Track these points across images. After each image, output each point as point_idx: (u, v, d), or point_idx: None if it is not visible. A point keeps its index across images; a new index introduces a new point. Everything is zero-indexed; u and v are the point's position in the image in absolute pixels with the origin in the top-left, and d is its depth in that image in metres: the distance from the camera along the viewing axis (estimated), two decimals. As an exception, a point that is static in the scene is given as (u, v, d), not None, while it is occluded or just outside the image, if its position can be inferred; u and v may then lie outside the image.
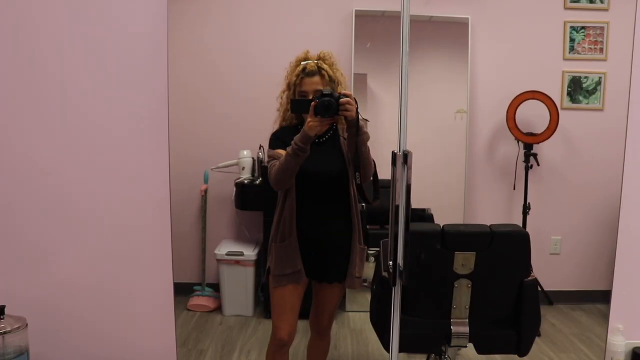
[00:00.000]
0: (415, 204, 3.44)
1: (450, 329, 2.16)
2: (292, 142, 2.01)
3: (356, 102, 2.03)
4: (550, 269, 3.71)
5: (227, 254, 3.47)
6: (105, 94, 1.64)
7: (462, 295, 2.15)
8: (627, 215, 2.33)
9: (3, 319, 1.43)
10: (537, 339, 2.86)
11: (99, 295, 1.63)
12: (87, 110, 1.63)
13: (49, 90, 1.62)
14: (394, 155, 1.27)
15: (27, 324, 1.46)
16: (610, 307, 2.04)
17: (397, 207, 1.21)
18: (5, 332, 1.39)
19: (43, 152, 1.61)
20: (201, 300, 3.61)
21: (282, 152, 2.09)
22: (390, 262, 1.27)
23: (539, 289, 3.44)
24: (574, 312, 3.60)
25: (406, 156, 1.19)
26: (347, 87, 2.22)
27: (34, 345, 1.47)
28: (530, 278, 2.21)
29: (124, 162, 1.61)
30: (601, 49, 3.47)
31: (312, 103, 1.98)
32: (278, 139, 2.17)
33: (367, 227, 2.51)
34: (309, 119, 1.98)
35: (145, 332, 1.65)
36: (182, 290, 3.70)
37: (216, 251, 3.53)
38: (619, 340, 2.39)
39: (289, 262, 2.13)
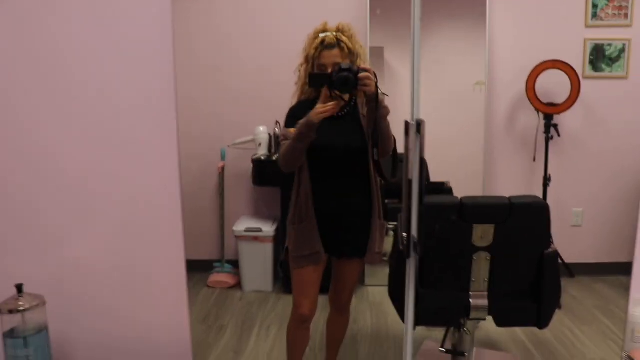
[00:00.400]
0: (434, 177, 3.44)
1: (469, 302, 2.14)
2: (297, 126, 1.99)
3: (375, 77, 2.00)
4: (571, 241, 3.67)
5: (245, 231, 3.48)
6: (111, 71, 1.62)
7: (481, 268, 2.13)
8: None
9: (22, 297, 1.44)
10: (557, 311, 2.83)
11: (112, 274, 1.64)
12: (93, 90, 1.62)
13: (57, 71, 1.62)
14: (406, 124, 1.24)
15: (45, 302, 1.47)
16: (632, 278, 2.00)
17: (409, 178, 1.18)
18: (24, 310, 1.41)
19: (54, 134, 1.61)
20: (221, 277, 3.64)
21: (294, 131, 2.07)
22: (405, 235, 1.25)
23: (560, 261, 3.42)
24: (595, 285, 3.56)
25: (419, 125, 1.17)
26: (366, 59, 2.19)
27: (52, 323, 1.49)
28: (550, 250, 2.17)
29: (132, 140, 1.60)
30: (625, 15, 3.37)
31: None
32: (294, 117, 2.14)
33: (387, 201, 2.49)
34: (318, 105, 1.95)
35: (159, 308, 1.65)
36: (202, 268, 3.73)
37: (234, 228, 3.55)
38: None
39: (308, 243, 2.12)
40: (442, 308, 2.20)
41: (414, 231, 1.18)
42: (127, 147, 1.60)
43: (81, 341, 1.62)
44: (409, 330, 1.27)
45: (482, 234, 2.09)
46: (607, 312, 3.17)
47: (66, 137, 1.57)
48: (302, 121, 1.97)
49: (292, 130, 2.06)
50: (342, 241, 2.16)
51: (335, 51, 2.06)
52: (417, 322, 2.21)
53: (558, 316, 3.06)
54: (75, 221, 1.60)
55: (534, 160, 3.60)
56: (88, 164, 1.58)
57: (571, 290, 3.47)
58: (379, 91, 2.01)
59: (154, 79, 1.62)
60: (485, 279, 2.14)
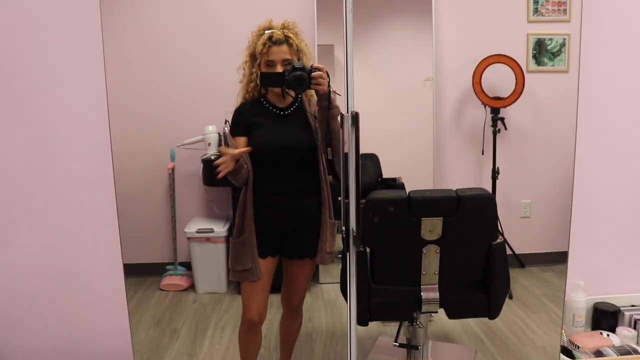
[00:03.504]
0: (386, 173, 3.47)
1: (421, 296, 2.16)
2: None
3: (328, 76, 2.00)
4: (520, 232, 3.74)
5: (197, 232, 3.43)
6: (39, 74, 1.57)
7: (430, 261, 2.15)
8: (580, 172, 2.36)
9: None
10: (509, 301, 2.90)
11: (49, 278, 1.59)
12: (27, 91, 1.56)
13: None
14: (341, 116, 1.24)
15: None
16: (568, 264, 2.06)
17: (347, 169, 1.18)
18: None
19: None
20: (174, 280, 3.57)
21: (242, 141, 2.07)
22: (344, 228, 1.25)
23: (510, 251, 3.49)
24: (545, 274, 3.64)
25: (355, 117, 1.16)
26: (311, 57, 2.18)
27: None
28: (498, 241, 2.21)
29: (67, 143, 1.56)
30: (565, 10, 3.46)
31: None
32: (238, 125, 2.11)
33: (339, 198, 2.49)
34: (220, 160, 1.95)
35: (98, 313, 1.62)
36: (155, 271, 3.66)
37: (186, 229, 3.49)
38: (580, 297, 2.42)
39: (241, 259, 2.11)
40: (394, 302, 2.21)
41: (353, 224, 1.18)
42: (61, 151, 1.55)
43: (20, 345, 1.57)
44: (352, 322, 1.27)
45: (431, 227, 2.11)
46: (555, 300, 3.24)
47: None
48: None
49: (238, 139, 2.06)
50: (292, 242, 2.15)
51: (284, 47, 2.05)
52: (370, 317, 2.23)
53: (509, 306, 3.13)
54: (11, 225, 1.55)
55: (483, 153, 3.65)
56: (24, 168, 1.53)
57: (521, 280, 3.54)
58: (331, 90, 2.01)
59: (83, 76, 1.57)
60: (436, 272, 2.17)
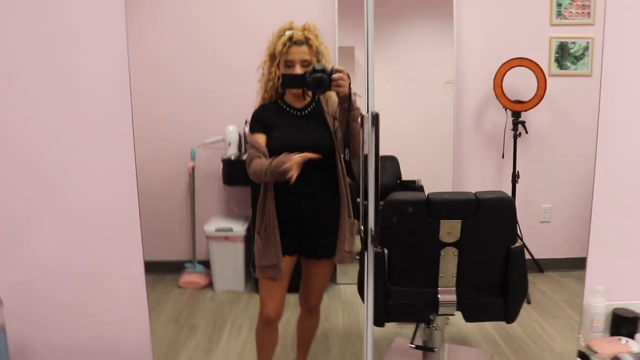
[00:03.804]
0: (405, 176, 3.46)
1: (438, 298, 2.16)
2: (268, 166, 2.01)
3: (349, 77, 2.01)
4: (540, 237, 3.71)
5: (216, 230, 3.46)
6: (63, 70, 1.59)
7: (448, 263, 2.14)
8: (601, 177, 2.34)
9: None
10: (527, 306, 2.88)
11: (70, 275, 1.62)
12: (50, 90, 1.59)
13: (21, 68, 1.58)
14: (362, 117, 1.25)
15: (1, 302, 1.44)
16: (587, 269, 2.04)
17: (366, 165, 1.19)
18: None
19: (7, 134, 1.57)
20: (192, 278, 3.61)
21: (261, 138, 2.08)
22: (362, 228, 1.26)
23: (529, 256, 3.47)
24: (564, 279, 3.61)
25: (375, 118, 1.17)
26: (330, 59, 2.19)
27: (10, 324, 1.46)
28: (517, 245, 2.20)
29: (90, 141, 1.58)
30: (588, 13, 3.43)
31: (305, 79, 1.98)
32: (258, 122, 2.13)
33: (357, 200, 2.50)
34: (287, 164, 1.96)
35: (118, 309, 1.64)
36: (174, 268, 3.70)
37: (205, 228, 3.52)
38: (599, 302, 2.40)
39: (267, 255, 2.13)
40: (410, 304, 2.21)
41: (371, 224, 1.19)
42: (84, 149, 1.57)
43: (40, 342, 1.60)
44: (369, 322, 1.28)
45: (450, 229, 2.11)
46: (574, 306, 3.21)
47: (20, 137, 1.54)
48: (272, 164, 2.00)
49: (257, 136, 2.07)
50: (310, 242, 2.17)
51: (304, 48, 2.07)
52: (387, 318, 2.23)
53: (527, 311, 3.11)
54: (32, 222, 1.57)
55: (503, 157, 3.64)
56: (45, 164, 1.56)
57: (540, 285, 3.51)
58: (352, 92, 2.02)
59: (108, 77, 1.59)
60: (453, 275, 2.16)
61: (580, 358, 2.25)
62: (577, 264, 3.75)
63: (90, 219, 1.60)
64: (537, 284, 3.49)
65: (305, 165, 2.09)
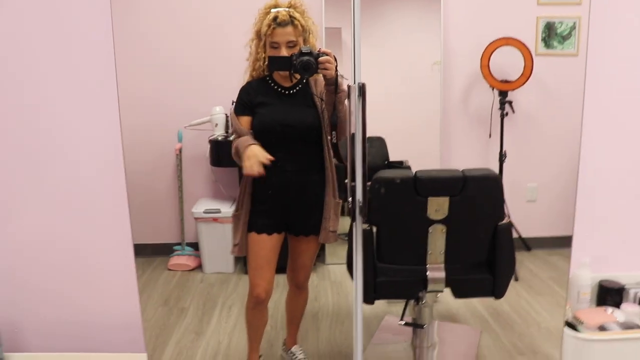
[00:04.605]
0: (392, 157, 3.47)
1: (427, 275, 2.17)
2: (238, 145, 2.03)
3: (335, 60, 2.01)
4: (527, 215, 3.74)
5: (204, 212, 3.46)
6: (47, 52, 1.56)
7: (437, 240, 2.15)
8: (587, 154, 2.36)
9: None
10: (514, 283, 2.91)
11: (58, 259, 1.60)
12: (31, 71, 1.56)
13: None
14: (349, 87, 1.25)
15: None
16: (573, 243, 2.06)
17: (353, 138, 1.19)
18: None
19: None
20: (181, 260, 3.61)
21: (244, 120, 2.09)
22: (350, 199, 1.26)
23: (516, 235, 3.50)
24: (551, 257, 3.65)
25: (361, 88, 1.17)
26: (318, 36, 2.18)
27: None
28: (504, 222, 2.22)
29: (76, 122, 1.55)
30: (575, -7, 3.45)
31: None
32: (243, 104, 2.12)
33: (345, 181, 2.50)
34: (247, 159, 1.96)
35: (108, 293, 1.63)
36: (163, 251, 3.70)
37: (193, 210, 3.52)
38: (585, 274, 2.43)
39: (236, 234, 2.18)
40: (400, 281, 2.23)
41: (359, 195, 1.19)
42: (69, 130, 1.55)
43: (31, 327, 1.58)
44: (358, 299, 1.29)
45: (437, 207, 2.11)
46: (561, 283, 3.25)
47: (2, 111, 1.51)
48: (240, 144, 2.02)
49: (242, 118, 2.08)
50: (297, 219, 2.17)
51: (289, 29, 2.05)
52: (376, 295, 2.24)
53: (515, 288, 3.14)
54: (16, 205, 1.55)
55: (490, 136, 3.65)
56: (29, 145, 1.53)
57: (527, 264, 3.55)
58: (339, 74, 2.02)
59: (92, 57, 1.57)
60: (442, 252, 2.17)
61: (568, 327, 2.28)
62: (564, 242, 3.77)
63: (76, 201, 1.58)
64: (524, 262, 3.52)
65: (294, 142, 2.09)
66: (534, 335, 2.71)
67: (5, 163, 1.55)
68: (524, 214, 3.71)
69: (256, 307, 2.21)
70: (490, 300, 2.98)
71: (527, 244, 3.71)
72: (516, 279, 3.23)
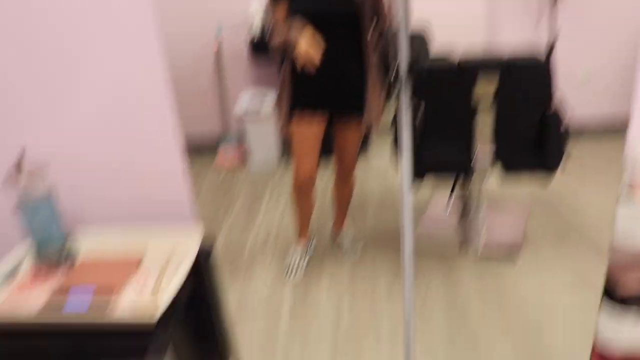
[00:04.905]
0: (436, 53, 3.37)
1: (474, 152, 2.15)
2: (289, 34, 1.99)
3: None
4: (579, 99, 3.61)
5: (246, 109, 3.46)
6: None
7: (484, 124, 2.14)
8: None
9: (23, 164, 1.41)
10: (563, 172, 2.85)
11: (111, 145, 1.61)
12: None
13: None
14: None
15: (47, 167, 1.46)
16: (631, 119, 1.97)
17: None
18: (31, 176, 1.39)
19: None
20: (227, 158, 3.65)
21: (282, 8, 2.05)
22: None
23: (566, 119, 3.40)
24: (601, 147, 3.55)
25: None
26: None
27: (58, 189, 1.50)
28: (554, 106, 2.16)
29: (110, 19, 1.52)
30: None
31: None
32: None
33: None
34: (303, 45, 1.94)
35: (159, 181, 1.65)
36: (207, 150, 3.75)
37: (236, 108, 3.53)
38: None
39: (281, 113, 2.17)
40: (446, 159, 2.22)
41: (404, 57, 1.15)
42: (106, 25, 1.51)
43: (88, 210, 1.63)
44: (406, 171, 1.27)
45: (485, 89, 2.08)
46: (611, 173, 3.19)
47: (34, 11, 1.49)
48: (293, 30, 1.98)
49: (279, 4, 2.04)
50: (339, 103, 2.16)
51: None
52: (423, 173, 2.24)
53: (563, 176, 3.07)
54: (70, 92, 1.56)
55: (541, 18, 3.49)
56: (67, 46, 1.52)
57: (577, 152, 3.46)
58: None
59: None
60: (489, 132, 2.15)
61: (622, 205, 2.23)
62: (617, 127, 3.67)
63: (123, 94, 1.58)
64: (572, 150, 3.43)
65: (334, 27, 2.07)
66: (580, 221, 2.67)
67: (45, 56, 1.56)
68: (576, 97, 3.58)
69: (301, 189, 2.24)
70: (537, 191, 2.94)
71: (576, 131, 3.58)
72: (563, 165, 3.17)
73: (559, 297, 2.11)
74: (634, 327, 1.52)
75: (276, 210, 2.95)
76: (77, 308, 1.15)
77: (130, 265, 1.28)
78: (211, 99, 3.75)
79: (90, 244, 1.44)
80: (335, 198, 2.47)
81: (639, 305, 1.62)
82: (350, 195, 2.45)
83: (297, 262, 2.39)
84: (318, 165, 2.22)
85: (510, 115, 2.12)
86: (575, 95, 3.62)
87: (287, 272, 2.38)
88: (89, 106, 1.61)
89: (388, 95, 2.28)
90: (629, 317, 1.51)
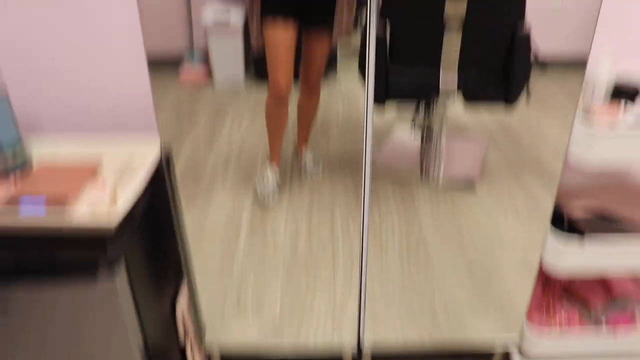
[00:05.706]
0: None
1: (439, 76, 2.15)
2: None
3: None
4: (549, 28, 3.59)
5: (213, 22, 3.35)
6: None
7: (451, 43, 2.11)
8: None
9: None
10: (526, 104, 2.86)
11: (72, 52, 1.56)
12: None
13: None
14: None
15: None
16: (593, 38, 1.98)
17: None
18: None
19: None
20: (191, 73, 3.57)
21: None
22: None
23: (534, 46, 3.38)
24: (567, 78, 3.57)
25: None
26: None
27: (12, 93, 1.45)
28: (524, 32, 2.15)
29: None
30: None
31: None
32: None
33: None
34: None
35: (119, 77, 1.62)
36: (171, 66, 3.64)
37: (202, 19, 3.41)
38: (602, 71, 2.36)
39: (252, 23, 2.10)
40: (412, 82, 2.21)
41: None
42: None
43: (44, 109, 1.60)
44: (369, 94, 1.27)
45: (454, 8, 2.04)
46: (574, 103, 3.22)
47: None
48: None
49: None
50: (309, 7, 2.11)
51: None
52: (387, 95, 2.24)
53: (526, 106, 3.09)
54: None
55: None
56: None
57: (541, 83, 3.48)
58: None
59: None
60: (456, 56, 2.13)
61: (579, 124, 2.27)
62: (584, 59, 3.66)
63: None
64: (539, 83, 3.45)
65: None
66: (540, 150, 2.72)
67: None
68: (546, 26, 3.55)
69: (277, 103, 2.23)
70: (500, 118, 2.97)
71: (544, 61, 3.58)
72: (528, 94, 3.19)
73: (511, 223, 2.19)
74: (578, 249, 1.60)
75: (240, 130, 2.93)
76: (33, 213, 1.15)
77: (87, 173, 1.27)
78: (177, 12, 3.62)
79: (45, 152, 1.43)
80: (300, 114, 2.46)
81: (582, 230, 1.69)
82: (315, 109, 2.44)
83: (271, 186, 2.40)
84: (292, 76, 2.20)
85: (478, 38, 2.11)
86: (544, 27, 3.59)
87: (263, 198, 2.38)
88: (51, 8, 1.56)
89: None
90: (574, 241, 1.58)
